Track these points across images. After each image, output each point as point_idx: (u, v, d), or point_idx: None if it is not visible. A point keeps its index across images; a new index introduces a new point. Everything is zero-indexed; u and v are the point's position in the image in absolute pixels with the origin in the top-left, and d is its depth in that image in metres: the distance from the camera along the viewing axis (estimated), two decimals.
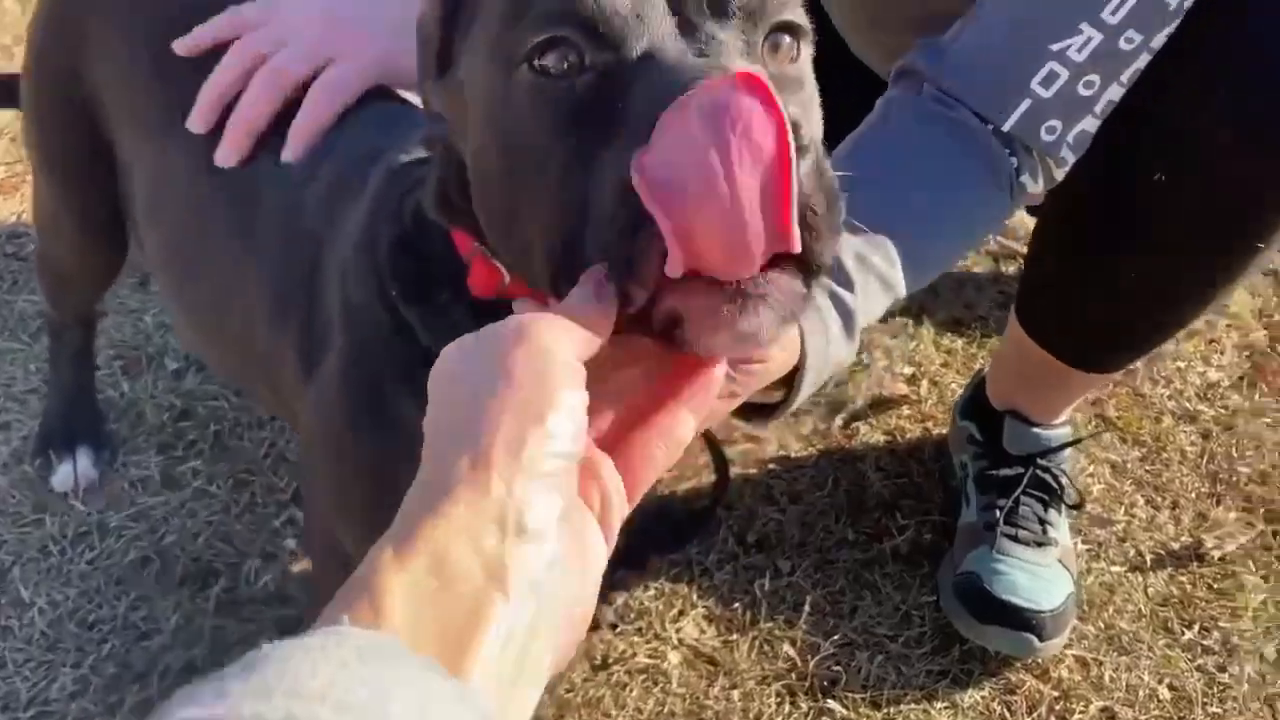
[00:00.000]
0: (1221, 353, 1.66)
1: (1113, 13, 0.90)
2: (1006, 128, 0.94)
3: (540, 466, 0.45)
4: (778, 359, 0.79)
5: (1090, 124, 0.95)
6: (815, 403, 1.52)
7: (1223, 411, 1.57)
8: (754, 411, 0.87)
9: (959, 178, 0.94)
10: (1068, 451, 1.32)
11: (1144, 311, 1.13)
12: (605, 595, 1.23)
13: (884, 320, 1.60)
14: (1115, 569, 1.36)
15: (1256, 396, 1.60)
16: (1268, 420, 1.57)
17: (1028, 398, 1.29)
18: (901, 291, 0.90)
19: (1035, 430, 1.29)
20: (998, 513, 1.27)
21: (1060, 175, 1.00)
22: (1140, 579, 1.36)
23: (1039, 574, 1.24)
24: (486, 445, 0.45)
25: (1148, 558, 1.38)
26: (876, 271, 0.87)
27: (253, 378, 0.94)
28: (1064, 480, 1.30)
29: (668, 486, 1.39)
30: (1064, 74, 0.92)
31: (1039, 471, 1.29)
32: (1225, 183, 0.99)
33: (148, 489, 1.29)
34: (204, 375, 1.41)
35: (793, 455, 1.45)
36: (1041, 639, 1.21)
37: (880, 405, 1.53)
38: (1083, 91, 0.93)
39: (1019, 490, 1.27)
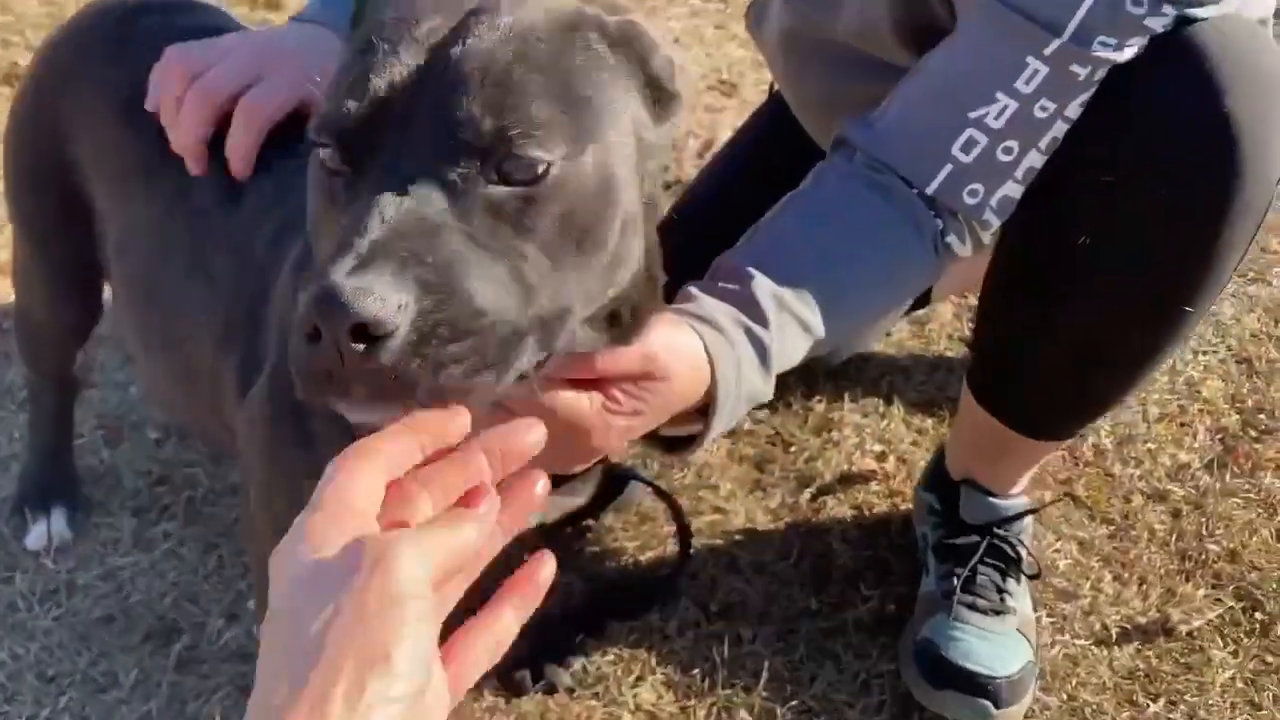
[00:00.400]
0: (1194, 436, 1.67)
1: (1026, 82, 0.95)
2: (930, 191, 0.99)
3: (375, 715, 0.47)
4: (680, 378, 0.82)
5: (1013, 189, 1.00)
6: (784, 477, 1.54)
7: (1193, 491, 1.57)
8: (675, 444, 0.90)
9: (882, 232, 0.98)
10: (1027, 522, 1.33)
11: (1084, 376, 1.16)
12: (563, 659, 1.24)
13: (855, 399, 1.63)
14: (1080, 642, 1.36)
15: (1228, 477, 1.60)
16: (1238, 500, 1.57)
17: (983, 467, 1.31)
18: (820, 334, 0.93)
19: (991, 500, 1.31)
20: (955, 580, 1.28)
21: (987, 238, 1.04)
22: (1105, 652, 1.35)
23: (996, 641, 1.24)
24: (324, 694, 0.47)
25: (1114, 631, 1.37)
26: (794, 313, 0.91)
27: (200, 406, 0.97)
28: (1022, 550, 1.31)
29: (631, 555, 1.40)
30: (983, 140, 0.97)
31: (996, 540, 1.30)
32: (1150, 248, 1.03)
33: (119, 549, 1.32)
34: (183, 444, 1.45)
35: (759, 528, 1.46)
36: (998, 706, 1.21)
37: (849, 481, 1.54)
38: (1002, 157, 0.98)
39: (975, 559, 1.28)
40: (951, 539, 1.31)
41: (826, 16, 1.22)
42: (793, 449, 1.58)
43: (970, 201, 0.99)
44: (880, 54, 1.16)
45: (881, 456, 1.58)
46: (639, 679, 1.26)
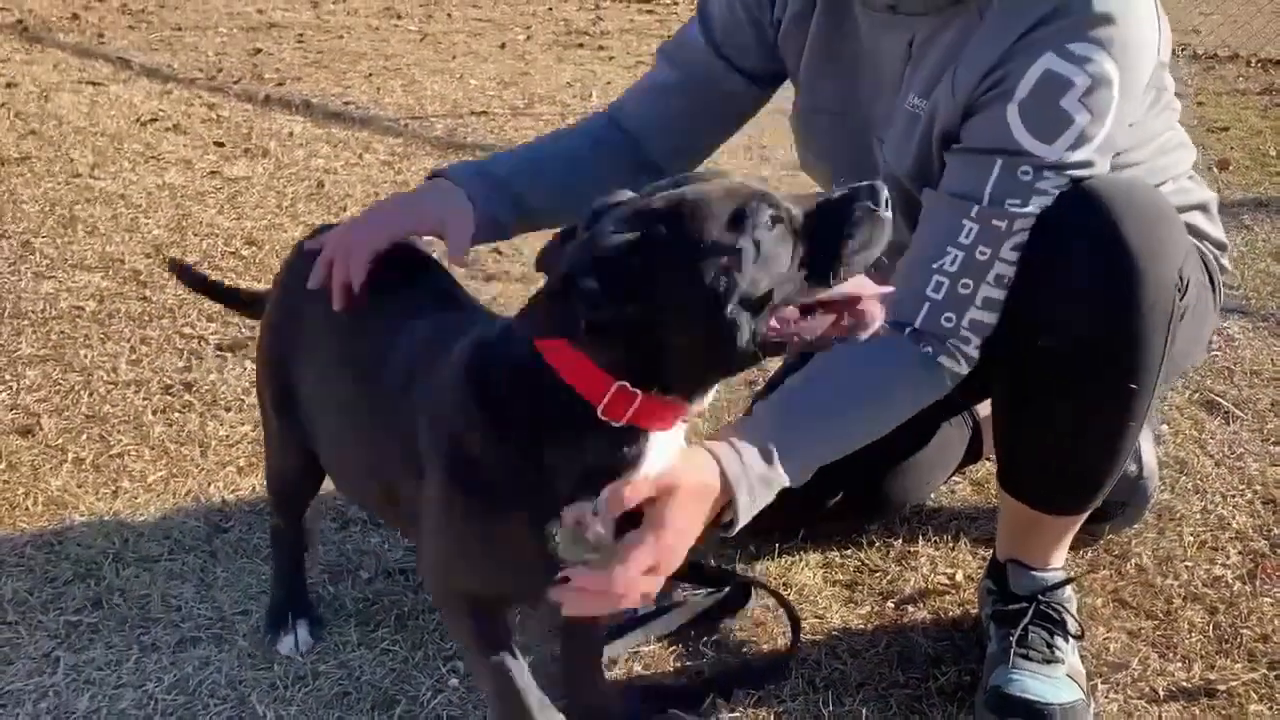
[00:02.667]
0: (1226, 555, 1.95)
1: (966, 237, 1.39)
2: (917, 325, 1.41)
3: None
4: (689, 478, 1.24)
5: (978, 314, 1.41)
6: (871, 593, 1.85)
7: (1227, 594, 1.84)
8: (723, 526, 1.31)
9: (883, 363, 1.41)
10: (1068, 591, 1.63)
11: (1071, 454, 1.51)
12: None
13: (927, 537, 1.97)
14: (1133, 700, 1.61)
15: (1258, 584, 1.87)
16: (1269, 600, 1.83)
17: (1021, 546, 1.63)
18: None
19: (1033, 573, 1.62)
20: (1011, 639, 1.57)
21: (972, 352, 1.43)
22: (1155, 708, 1.60)
23: (1049, 681, 1.52)
24: None
25: (1161, 693, 1.63)
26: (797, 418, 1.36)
27: (382, 498, 1.41)
28: (1066, 615, 1.60)
29: (750, 646, 1.72)
30: (945, 281, 1.40)
31: (1042, 606, 1.60)
32: (1088, 343, 1.42)
33: (347, 649, 1.69)
34: (389, 580, 1.84)
35: (853, 628, 1.77)
36: None
37: (926, 594, 1.85)
38: (961, 291, 1.40)
39: (1026, 620, 1.58)
40: (1005, 608, 1.61)
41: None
42: (877, 573, 1.90)
43: (947, 326, 1.41)
44: (905, 240, 1.61)
45: (952, 576, 1.90)
46: None
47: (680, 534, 1.24)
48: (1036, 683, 1.51)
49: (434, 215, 1.51)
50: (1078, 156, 1.37)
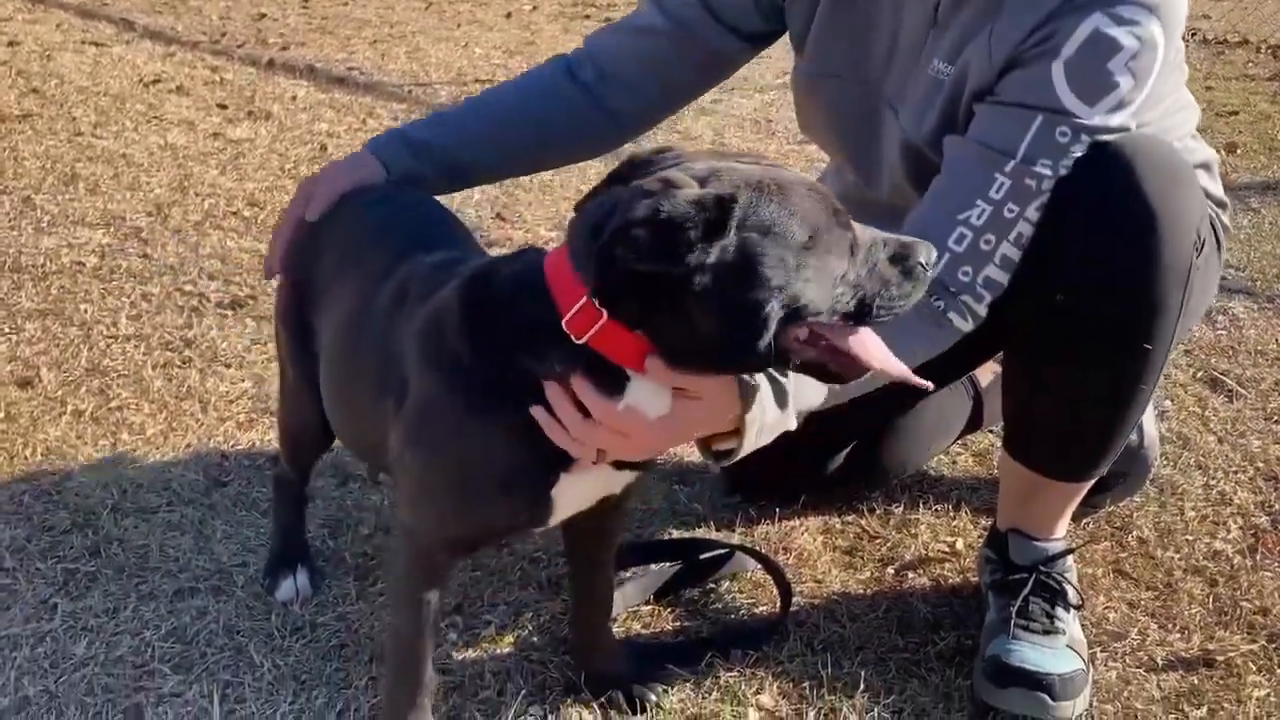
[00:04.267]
0: (1227, 530, 1.95)
1: (996, 191, 1.38)
2: (933, 275, 1.39)
3: None
4: (711, 398, 1.20)
5: (994, 271, 1.40)
6: (871, 559, 1.85)
7: (1227, 568, 1.84)
8: (719, 454, 1.28)
9: None
10: (1069, 561, 1.63)
11: (1078, 415, 1.51)
12: (649, 683, 1.53)
13: (928, 505, 1.96)
14: (1131, 669, 1.61)
15: (1258, 559, 1.87)
16: (1269, 574, 1.83)
17: (1024, 515, 1.62)
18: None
19: (1034, 543, 1.61)
20: (1010, 609, 1.56)
21: (981, 310, 1.41)
22: (1154, 676, 1.60)
23: (1049, 651, 1.51)
24: None
25: (1160, 662, 1.63)
26: None
27: (371, 438, 1.37)
28: (1066, 585, 1.59)
29: (745, 609, 1.72)
30: (969, 235, 1.39)
31: (1043, 577, 1.59)
32: (1104, 298, 1.41)
33: (346, 602, 1.68)
34: (388, 536, 1.83)
35: (852, 592, 1.77)
36: (1054, 698, 1.47)
37: (926, 561, 1.85)
38: (983, 247, 1.39)
39: (1026, 591, 1.57)
40: (1005, 578, 1.61)
41: (869, 187, 1.68)
42: (877, 540, 1.90)
43: (963, 280, 1.39)
44: (910, 205, 1.60)
45: (952, 545, 1.89)
46: (759, 690, 1.55)
47: (670, 428, 1.21)
48: (1036, 653, 1.50)
49: (342, 183, 1.58)
50: (1116, 121, 1.36)
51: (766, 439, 1.29)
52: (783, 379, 1.26)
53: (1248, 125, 4.37)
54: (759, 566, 1.77)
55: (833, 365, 1.15)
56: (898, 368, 1.17)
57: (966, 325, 1.42)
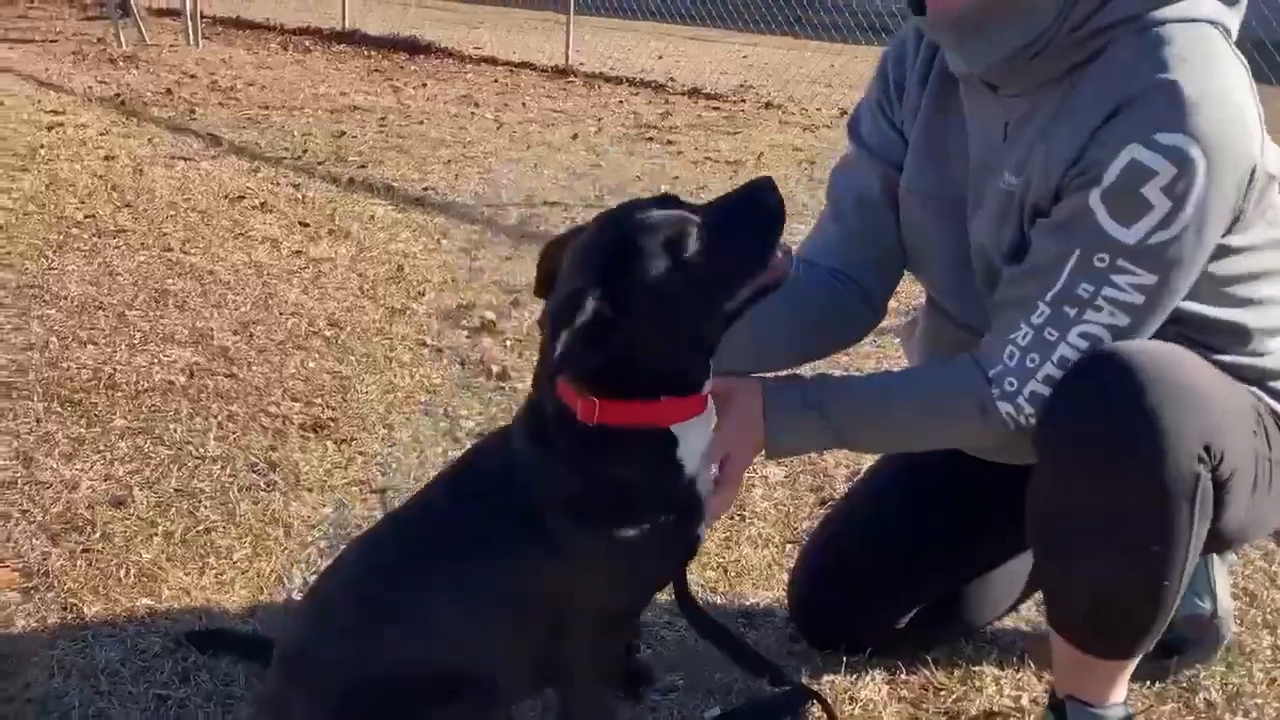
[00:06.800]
0: None
1: (1037, 318, 1.47)
2: (990, 376, 1.50)
3: None
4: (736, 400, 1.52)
5: (1038, 388, 1.47)
6: (937, 712, 1.87)
7: None
8: None
9: (951, 380, 1.58)
10: None
11: (1107, 605, 1.52)
12: None
13: (992, 658, 1.98)
14: None
15: None
16: None
17: (1078, 682, 1.62)
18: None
19: (1091, 709, 1.62)
20: None
21: (1025, 421, 1.49)
22: None
23: None
24: None
25: None
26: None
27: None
28: None
29: None
30: (1016, 353, 1.49)
31: None
32: (1110, 507, 1.44)
33: None
34: None
35: None
36: None
37: (992, 716, 1.86)
38: (1028, 364, 1.48)
39: None
40: None
41: (962, 312, 1.75)
42: (942, 692, 1.91)
43: (1009, 390, 1.49)
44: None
45: (1017, 700, 1.90)
46: None
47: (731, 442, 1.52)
48: None
49: None
50: (1155, 240, 1.40)
51: (794, 427, 1.56)
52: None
53: None
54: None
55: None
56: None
57: (1012, 423, 1.50)
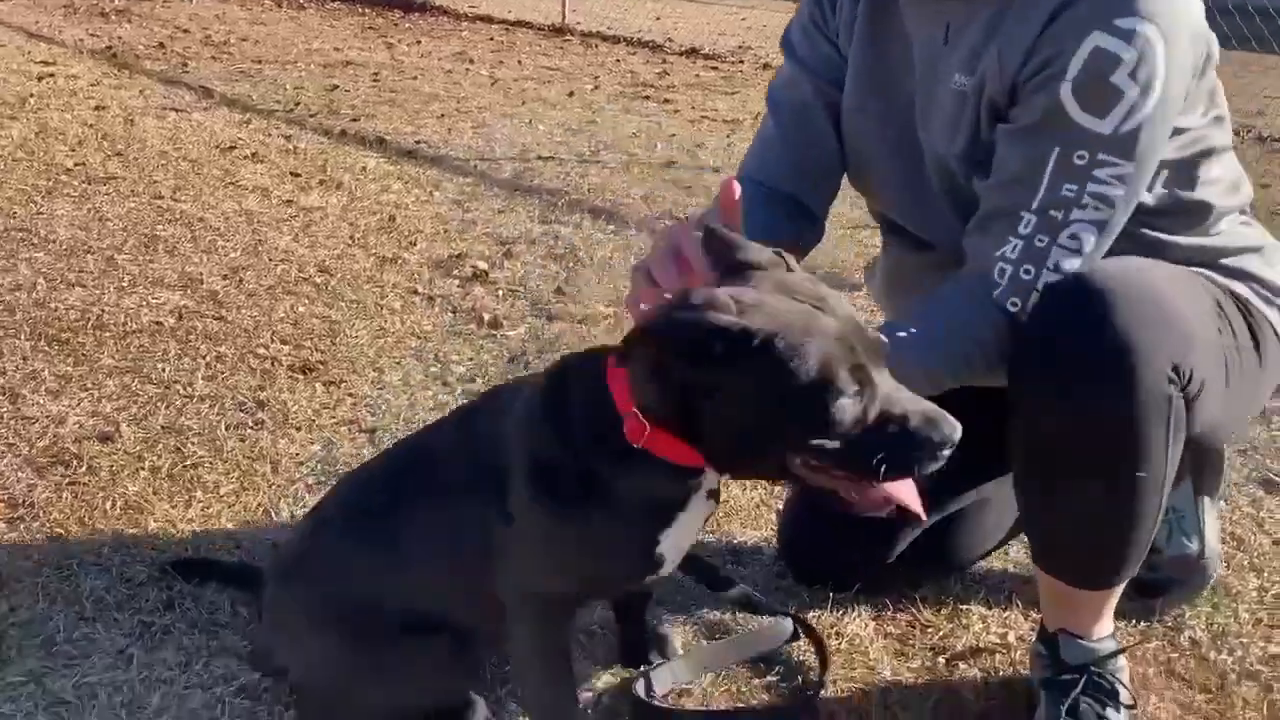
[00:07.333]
0: None
1: (1024, 227, 1.45)
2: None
3: None
4: None
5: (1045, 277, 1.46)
6: (923, 648, 1.87)
7: None
8: None
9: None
10: (1121, 660, 1.63)
11: (1091, 532, 1.52)
12: None
13: (979, 596, 1.98)
14: None
15: None
16: None
17: (1067, 617, 1.63)
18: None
19: (1083, 643, 1.62)
20: (1061, 708, 1.57)
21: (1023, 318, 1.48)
22: None
23: None
24: None
25: None
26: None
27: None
28: (1119, 686, 1.60)
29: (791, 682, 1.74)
30: (1008, 269, 1.47)
31: (1094, 677, 1.60)
32: (1088, 432, 1.42)
33: None
34: None
35: (903, 680, 1.79)
36: None
37: (977, 652, 1.87)
38: (1023, 276, 1.46)
39: (1077, 691, 1.58)
40: (1056, 676, 1.62)
41: (923, 229, 1.74)
42: (929, 629, 1.92)
43: (1012, 308, 1.48)
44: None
45: (1004, 636, 1.91)
46: None
47: None
48: None
49: None
50: (1128, 127, 1.40)
51: None
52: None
53: None
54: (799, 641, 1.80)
55: (842, 492, 1.25)
56: (912, 500, 1.24)
57: (1011, 316, 1.48)
